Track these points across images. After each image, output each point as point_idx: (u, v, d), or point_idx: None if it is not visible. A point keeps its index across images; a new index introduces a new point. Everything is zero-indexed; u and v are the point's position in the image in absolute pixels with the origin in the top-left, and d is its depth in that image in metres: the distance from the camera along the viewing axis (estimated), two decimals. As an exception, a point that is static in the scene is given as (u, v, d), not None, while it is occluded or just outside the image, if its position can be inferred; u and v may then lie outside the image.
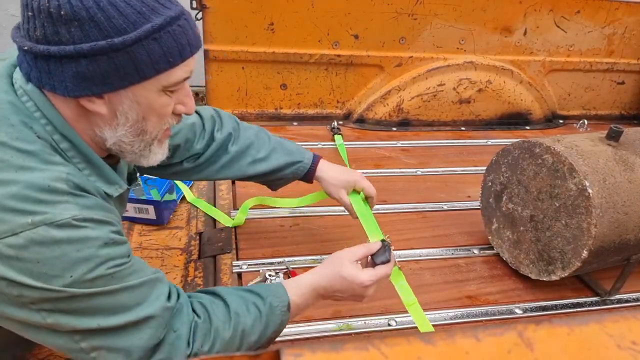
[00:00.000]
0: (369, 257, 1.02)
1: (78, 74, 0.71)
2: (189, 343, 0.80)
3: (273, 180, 1.30)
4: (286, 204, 1.53)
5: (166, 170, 1.17)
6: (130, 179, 1.00)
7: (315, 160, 1.29)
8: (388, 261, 1.01)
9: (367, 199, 1.29)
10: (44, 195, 0.69)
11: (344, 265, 0.95)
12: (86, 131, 0.80)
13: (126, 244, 0.79)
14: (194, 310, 0.84)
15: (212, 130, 1.19)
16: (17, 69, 0.77)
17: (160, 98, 0.79)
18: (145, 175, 1.47)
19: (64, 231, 0.69)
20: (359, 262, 0.99)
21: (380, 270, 0.98)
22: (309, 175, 1.29)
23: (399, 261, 1.39)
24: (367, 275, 0.96)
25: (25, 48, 0.72)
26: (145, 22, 0.72)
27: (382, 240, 1.05)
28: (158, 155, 0.88)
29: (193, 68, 0.82)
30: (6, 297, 0.69)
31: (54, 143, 0.76)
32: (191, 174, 1.22)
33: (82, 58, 0.70)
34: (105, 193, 0.83)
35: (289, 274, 1.29)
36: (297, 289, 0.95)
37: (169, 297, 0.81)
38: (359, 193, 1.28)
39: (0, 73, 0.77)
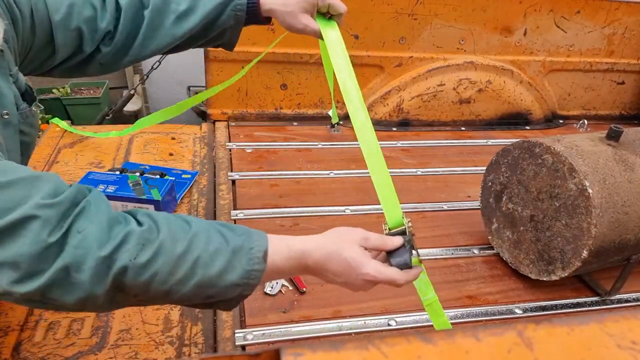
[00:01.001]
0: (384, 252, 0.83)
1: None
2: (104, 244, 0.64)
3: (216, 36, 1.10)
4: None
5: (87, 66, 1.03)
6: (29, 100, 0.92)
7: None
8: (407, 266, 0.81)
9: (335, 17, 1.07)
10: None
11: (351, 246, 0.79)
12: None
13: None
14: (135, 219, 0.70)
15: (114, 0, 1.01)
16: None
17: None
18: (145, 175, 1.47)
19: None
20: (368, 250, 0.82)
21: (393, 273, 0.80)
22: (256, 13, 1.07)
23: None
24: (375, 269, 0.78)
25: None
26: None
27: (403, 235, 0.84)
28: None
29: None
30: None
31: None
32: (117, 61, 1.05)
33: None
34: None
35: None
36: (283, 248, 0.76)
37: (58, 194, 0.65)
38: (327, 18, 1.04)
39: None
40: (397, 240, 0.83)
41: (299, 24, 1.05)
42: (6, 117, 0.84)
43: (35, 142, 0.99)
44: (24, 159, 0.96)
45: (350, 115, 0.96)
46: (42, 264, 0.62)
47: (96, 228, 0.65)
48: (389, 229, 0.87)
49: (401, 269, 0.81)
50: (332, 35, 1.03)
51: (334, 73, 1.01)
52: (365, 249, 0.81)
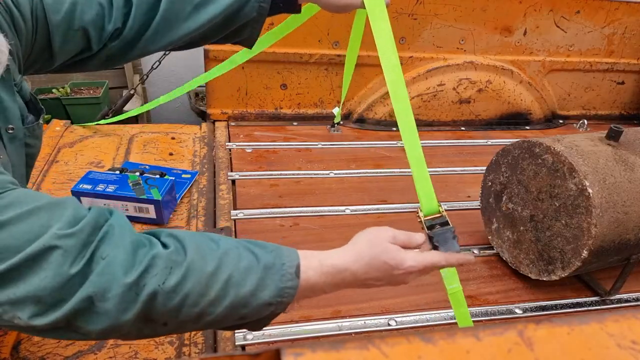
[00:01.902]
0: (428, 237, 0.82)
1: None
2: (130, 270, 0.61)
3: (235, 31, 1.02)
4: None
5: (92, 61, 0.98)
6: (34, 111, 0.90)
7: None
8: (455, 251, 0.80)
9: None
10: None
11: (385, 247, 0.77)
12: None
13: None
14: (160, 240, 0.67)
15: None
16: None
17: None
18: (145, 175, 1.47)
19: None
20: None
21: (433, 256, 0.78)
22: (288, 3, 1.03)
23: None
24: (415, 259, 0.77)
25: None
26: None
27: (443, 225, 0.83)
28: None
29: None
30: None
31: None
32: (126, 54, 0.99)
33: None
34: None
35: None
36: (315, 263, 0.73)
37: (78, 222, 0.62)
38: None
39: None
40: (420, 237, 0.82)
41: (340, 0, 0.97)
42: (11, 132, 0.81)
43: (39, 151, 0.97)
44: (29, 169, 0.93)
45: (392, 96, 0.96)
46: (65, 296, 0.59)
47: (121, 253, 0.62)
48: (423, 216, 0.86)
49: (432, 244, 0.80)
50: (377, 6, 0.94)
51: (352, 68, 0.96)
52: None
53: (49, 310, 0.59)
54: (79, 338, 0.67)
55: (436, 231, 0.82)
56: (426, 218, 0.84)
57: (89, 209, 0.65)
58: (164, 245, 0.66)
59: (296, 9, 1.06)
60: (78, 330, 0.62)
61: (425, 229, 0.82)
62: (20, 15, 0.83)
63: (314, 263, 0.72)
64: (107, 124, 1.89)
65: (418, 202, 0.84)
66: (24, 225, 0.59)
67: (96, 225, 0.63)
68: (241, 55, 1.45)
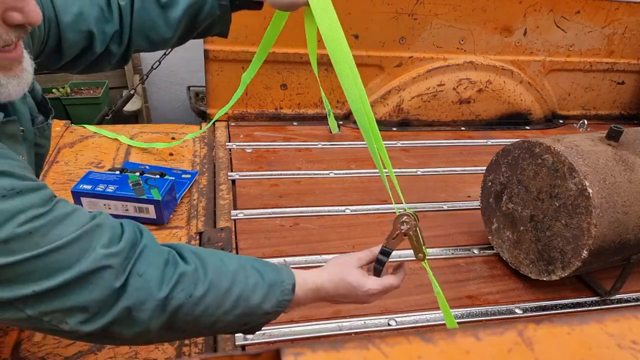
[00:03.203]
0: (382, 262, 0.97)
1: None
2: (162, 285, 0.70)
3: (207, 28, 1.12)
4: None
5: (99, 65, 1.05)
6: (45, 112, 0.92)
7: None
8: (379, 270, 0.97)
9: None
10: None
11: (350, 271, 0.91)
12: None
13: (40, 191, 0.65)
14: (181, 257, 0.76)
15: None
16: None
17: None
18: (145, 175, 1.47)
19: None
20: (364, 267, 0.96)
21: (388, 280, 0.94)
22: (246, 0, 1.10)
23: (399, 261, 1.38)
24: (374, 283, 0.92)
25: None
26: None
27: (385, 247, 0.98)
28: (13, 86, 0.70)
29: None
30: None
31: None
32: (127, 55, 1.09)
33: None
34: None
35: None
36: (301, 281, 0.87)
37: (117, 240, 0.69)
38: None
39: None
40: (377, 249, 0.97)
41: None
42: (22, 133, 0.82)
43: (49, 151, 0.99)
44: (38, 169, 0.95)
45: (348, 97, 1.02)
46: (108, 306, 0.67)
47: (154, 271, 0.71)
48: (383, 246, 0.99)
49: (376, 275, 0.96)
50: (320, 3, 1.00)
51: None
52: (362, 267, 0.94)
53: (94, 318, 0.67)
54: (111, 343, 0.76)
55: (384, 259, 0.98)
56: (383, 248, 0.98)
57: (121, 224, 0.73)
58: (186, 261, 0.76)
59: (257, 6, 1.14)
60: (113, 335, 0.70)
61: (382, 256, 0.98)
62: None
63: (300, 281, 0.87)
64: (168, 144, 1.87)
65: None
66: (71, 247, 0.65)
67: (133, 244, 0.71)
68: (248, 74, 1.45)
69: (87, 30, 0.96)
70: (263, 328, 0.85)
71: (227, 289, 0.77)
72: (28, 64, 0.73)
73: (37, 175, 0.94)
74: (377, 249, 0.97)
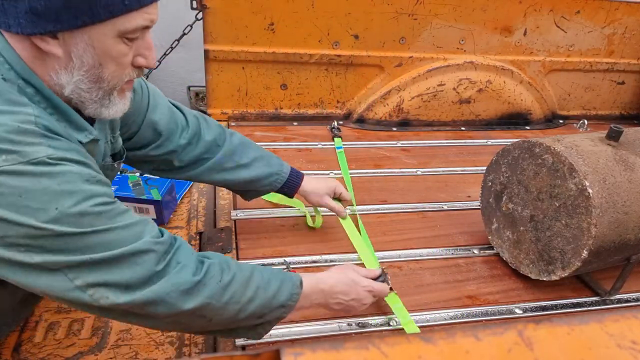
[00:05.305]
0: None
1: (31, 9, 0.71)
2: (196, 272, 0.83)
3: (249, 190, 1.32)
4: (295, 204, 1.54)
5: (153, 163, 1.20)
6: (115, 158, 1.05)
7: (296, 174, 1.35)
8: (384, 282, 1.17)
9: (342, 202, 1.43)
10: (14, 136, 0.70)
11: (351, 271, 1.09)
12: (44, 76, 0.79)
13: (110, 187, 0.81)
14: (206, 256, 0.89)
15: (198, 130, 1.20)
16: None
17: (118, 45, 0.78)
18: (145, 175, 1.47)
19: (41, 167, 0.70)
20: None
21: (381, 286, 1.12)
22: (290, 190, 1.35)
23: (398, 261, 1.39)
24: (370, 282, 1.10)
25: None
26: None
27: (382, 270, 1.19)
28: (119, 105, 0.87)
29: (155, 18, 0.81)
30: None
31: (19, 88, 0.76)
32: (178, 172, 1.23)
33: None
34: (79, 142, 0.83)
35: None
36: (307, 277, 1.00)
37: (160, 235, 0.83)
38: (339, 200, 1.42)
39: None
40: (378, 271, 1.18)
41: (322, 201, 1.38)
42: (108, 170, 1.00)
43: None
44: None
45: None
46: (149, 285, 0.78)
47: (190, 261, 0.84)
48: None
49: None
50: (350, 232, 1.47)
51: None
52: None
53: (133, 294, 0.76)
54: (144, 322, 0.83)
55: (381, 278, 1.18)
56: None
57: (159, 229, 0.86)
58: (210, 258, 0.89)
59: (290, 195, 1.38)
60: (149, 314, 0.79)
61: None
62: (141, 98, 1.10)
63: (305, 277, 0.99)
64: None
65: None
66: (127, 230, 0.78)
67: (172, 241, 0.85)
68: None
69: (158, 132, 1.14)
70: None
71: (247, 279, 0.89)
72: (127, 106, 0.90)
73: None
74: (375, 270, 1.17)
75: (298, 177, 1.35)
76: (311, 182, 1.37)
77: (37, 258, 0.71)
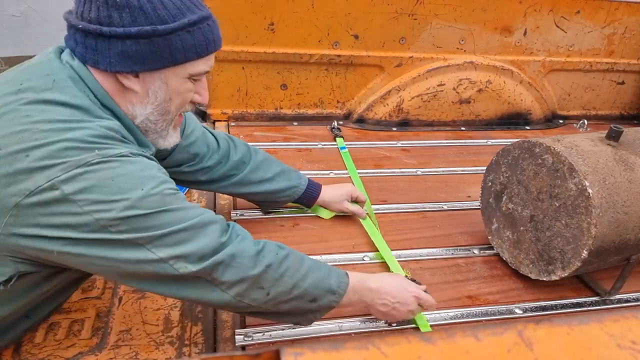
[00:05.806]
0: None
1: (123, 52, 0.86)
2: (255, 244, 0.94)
3: (269, 201, 1.44)
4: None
5: (182, 175, 1.31)
6: None
7: (314, 186, 1.46)
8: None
9: (359, 203, 1.52)
10: (101, 139, 0.84)
11: (398, 276, 1.17)
12: (121, 107, 0.94)
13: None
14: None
15: (227, 151, 1.34)
16: (63, 52, 0.92)
17: (186, 84, 0.96)
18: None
19: (126, 158, 0.85)
20: None
21: (426, 294, 1.14)
22: (309, 200, 1.47)
23: (399, 261, 1.39)
24: (417, 287, 1.14)
25: (80, 27, 0.86)
26: (183, 17, 0.88)
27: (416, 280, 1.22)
28: (173, 137, 1.04)
29: (213, 64, 0.99)
30: (86, 221, 0.80)
31: (99, 111, 0.90)
32: (204, 185, 1.37)
33: (128, 39, 0.85)
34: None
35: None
36: (352, 273, 1.07)
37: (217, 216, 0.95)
38: (356, 202, 1.52)
39: (53, 52, 0.92)
40: (423, 287, 1.19)
41: (342, 207, 1.50)
42: None
43: None
44: None
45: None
46: (216, 253, 0.88)
47: (247, 235, 0.96)
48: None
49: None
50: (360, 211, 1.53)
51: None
52: None
53: (205, 259, 0.87)
54: (211, 296, 0.91)
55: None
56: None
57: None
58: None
59: (309, 205, 1.50)
60: (215, 280, 0.89)
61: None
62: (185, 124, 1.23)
63: (350, 273, 1.06)
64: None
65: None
66: (193, 209, 0.90)
67: (227, 222, 0.96)
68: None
69: (190, 154, 1.27)
70: (262, 327, 0.93)
71: (301, 258, 0.99)
72: (178, 140, 1.08)
73: None
74: (422, 287, 1.19)
75: (315, 189, 1.46)
76: (329, 192, 1.48)
77: (125, 235, 0.82)
